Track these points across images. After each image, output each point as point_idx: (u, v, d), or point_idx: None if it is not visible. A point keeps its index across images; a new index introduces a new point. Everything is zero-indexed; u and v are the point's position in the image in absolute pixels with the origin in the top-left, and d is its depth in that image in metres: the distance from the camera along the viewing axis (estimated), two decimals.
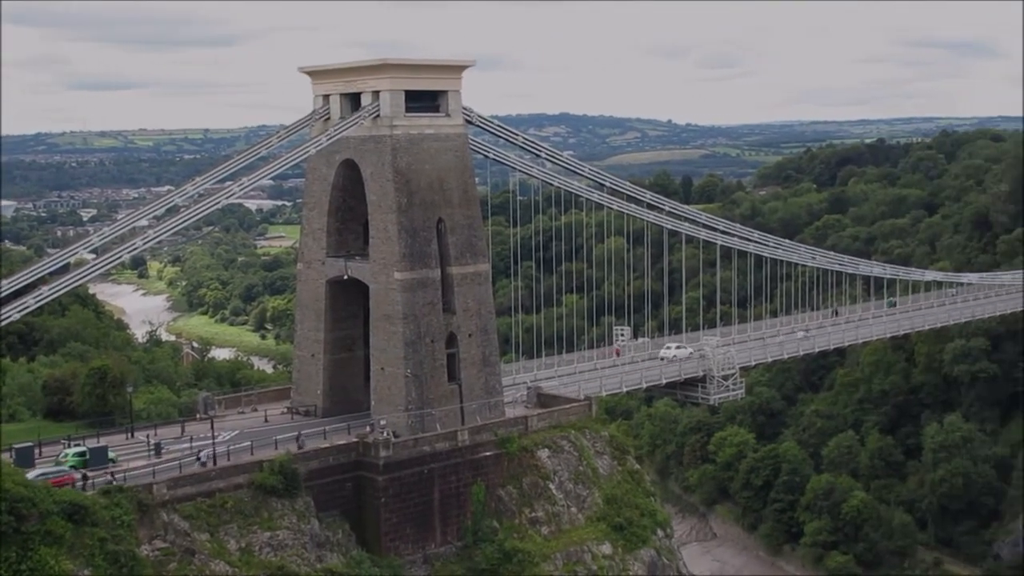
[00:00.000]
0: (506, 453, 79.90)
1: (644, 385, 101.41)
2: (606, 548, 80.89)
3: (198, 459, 70.06)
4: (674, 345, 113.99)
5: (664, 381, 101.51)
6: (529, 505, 80.00)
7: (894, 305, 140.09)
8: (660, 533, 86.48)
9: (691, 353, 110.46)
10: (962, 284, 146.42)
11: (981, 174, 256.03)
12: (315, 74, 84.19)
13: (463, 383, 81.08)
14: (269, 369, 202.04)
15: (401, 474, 73.82)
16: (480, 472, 78.18)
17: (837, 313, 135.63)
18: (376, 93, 79.23)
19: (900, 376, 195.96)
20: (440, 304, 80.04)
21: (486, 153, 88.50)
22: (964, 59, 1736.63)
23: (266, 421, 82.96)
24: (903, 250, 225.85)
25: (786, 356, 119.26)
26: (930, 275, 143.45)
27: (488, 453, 79.04)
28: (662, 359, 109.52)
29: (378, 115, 78.92)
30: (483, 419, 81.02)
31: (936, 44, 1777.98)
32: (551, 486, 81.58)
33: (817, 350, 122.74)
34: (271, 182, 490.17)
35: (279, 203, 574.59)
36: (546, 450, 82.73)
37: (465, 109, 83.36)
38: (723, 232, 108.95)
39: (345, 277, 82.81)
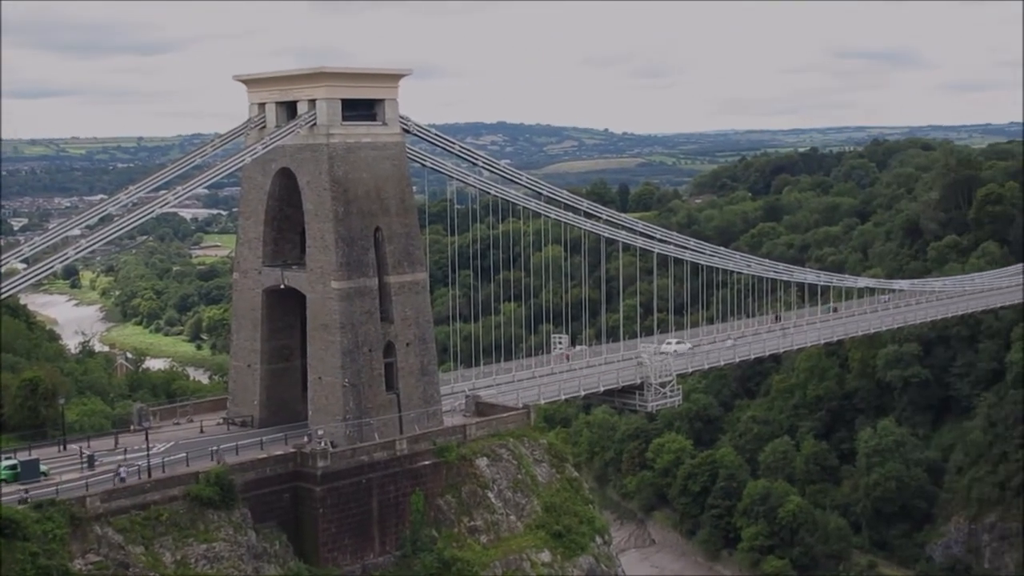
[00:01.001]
0: (445, 462, 79.77)
1: (582, 393, 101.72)
2: (545, 556, 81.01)
3: (118, 475, 68.71)
4: (674, 340, 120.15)
5: (602, 388, 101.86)
6: (468, 514, 79.90)
7: (835, 310, 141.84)
8: (599, 540, 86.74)
9: (689, 348, 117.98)
10: (894, 291, 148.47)
11: (911, 182, 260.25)
12: (250, 82, 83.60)
13: (401, 392, 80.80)
14: (205, 380, 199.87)
15: (339, 484, 73.40)
16: (419, 481, 77.96)
17: (779, 319, 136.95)
18: (312, 102, 78.83)
19: (834, 382, 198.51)
20: (378, 313, 79.73)
21: (423, 162, 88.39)
22: (894, 69, 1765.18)
23: (202, 432, 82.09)
24: (836, 257, 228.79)
25: (722, 363, 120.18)
26: (863, 282, 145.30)
27: (427, 462, 78.86)
28: (663, 354, 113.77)
29: (314, 124, 78.53)
30: (421, 428, 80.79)
31: (866, 55, 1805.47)
32: (490, 495, 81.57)
33: (753, 356, 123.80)
34: (206, 191, 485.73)
35: (214, 212, 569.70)
36: (485, 459, 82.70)
37: (402, 118, 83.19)
38: (660, 240, 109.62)
39: (282, 286, 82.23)
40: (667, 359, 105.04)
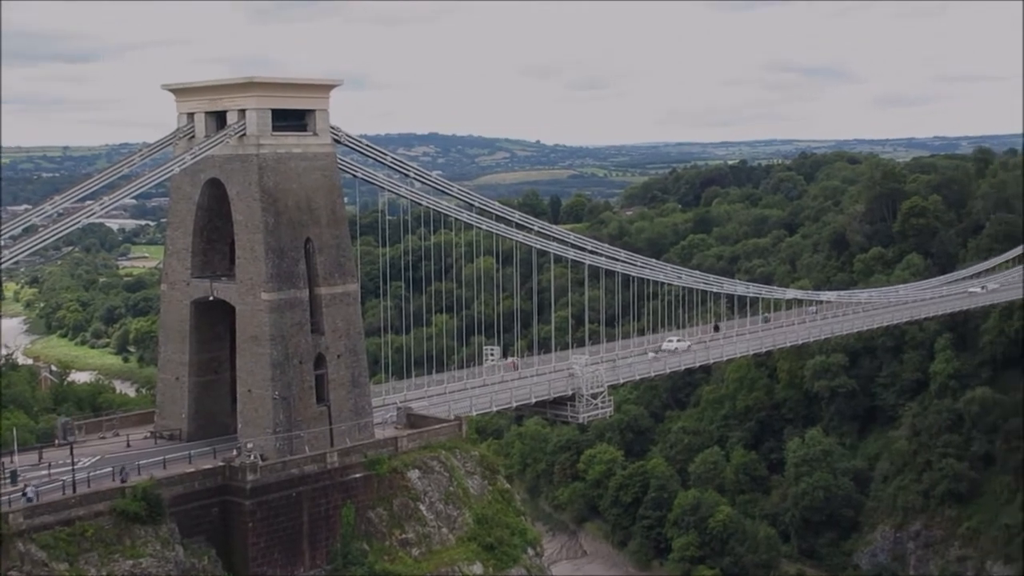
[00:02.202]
0: (376, 475, 79.32)
1: (514, 404, 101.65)
2: (477, 568, 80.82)
3: (24, 494, 67.09)
4: (675, 338, 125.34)
5: (534, 400, 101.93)
6: (399, 527, 79.51)
7: (768, 320, 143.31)
8: (530, 551, 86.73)
9: (689, 346, 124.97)
10: (821, 302, 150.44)
11: (838, 195, 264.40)
12: (179, 91, 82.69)
13: (332, 404, 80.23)
14: (132, 393, 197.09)
15: (269, 498, 72.68)
16: (350, 494, 77.42)
17: (718, 328, 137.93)
18: (242, 111, 78.14)
19: (763, 392, 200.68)
20: (308, 325, 79.13)
21: (354, 172, 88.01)
22: (822, 83, 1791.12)
23: (128, 446, 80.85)
24: (765, 269, 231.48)
25: (653, 374, 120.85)
26: (791, 293, 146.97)
27: (358, 475, 78.35)
28: (664, 351, 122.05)
29: (244, 134, 77.85)
30: (352, 441, 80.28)
31: (795, 68, 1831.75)
32: (421, 507, 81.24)
33: (684, 367, 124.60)
34: (134, 201, 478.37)
35: (142, 223, 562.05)
36: (416, 471, 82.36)
37: (333, 128, 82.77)
38: (591, 252, 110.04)
39: (211, 298, 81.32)
40: (598, 370, 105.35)
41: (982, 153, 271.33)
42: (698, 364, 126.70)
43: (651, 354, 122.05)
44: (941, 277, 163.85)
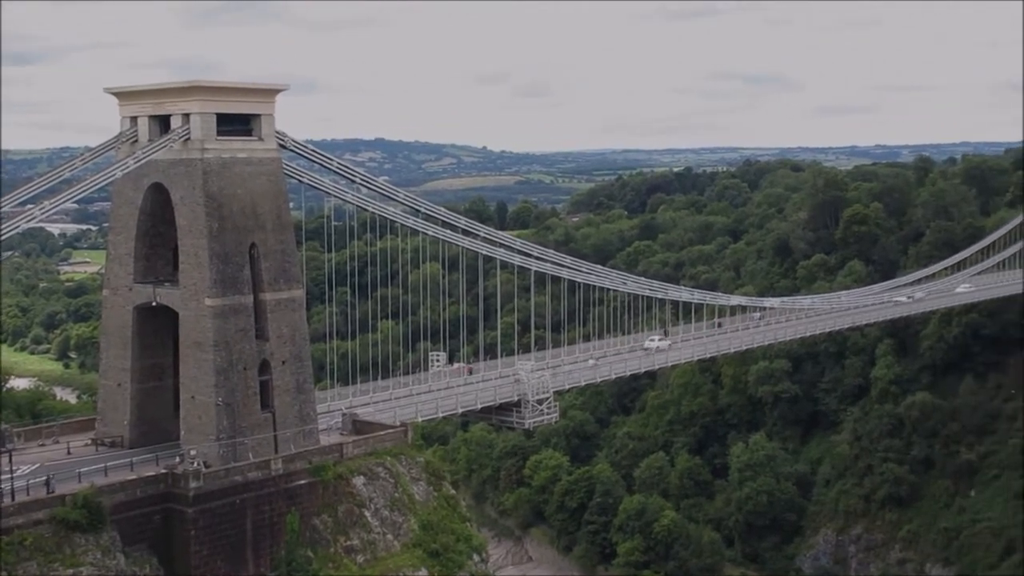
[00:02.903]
0: (321, 481, 78.94)
1: (460, 410, 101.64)
2: (422, 574, 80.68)
3: None
4: (656, 337, 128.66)
5: (480, 406, 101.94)
6: (344, 533, 79.18)
7: (720, 325, 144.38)
8: (476, 558, 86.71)
9: (671, 344, 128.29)
10: (765, 308, 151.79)
11: (782, 202, 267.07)
12: (122, 95, 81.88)
13: (276, 411, 79.77)
14: (73, 399, 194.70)
15: (212, 505, 72.06)
16: (294, 501, 77.00)
17: (667, 333, 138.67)
18: (186, 116, 77.52)
19: (708, 398, 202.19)
20: (253, 331, 78.63)
21: (300, 178, 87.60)
22: (766, 92, 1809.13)
23: (69, 453, 79.85)
24: (710, 275, 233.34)
25: (599, 380, 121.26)
26: (735, 300, 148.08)
27: (302, 482, 77.93)
28: (646, 349, 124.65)
29: (188, 138, 77.25)
30: (297, 447, 79.86)
31: (739, 77, 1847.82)
32: (366, 514, 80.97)
33: (629, 373, 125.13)
34: (75, 206, 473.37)
35: (84, 227, 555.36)
36: (361, 477, 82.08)
37: (278, 133, 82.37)
38: (537, 258, 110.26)
39: (153, 304, 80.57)
40: (544, 376, 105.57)
41: (922, 162, 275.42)
42: (643, 370, 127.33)
43: (591, 361, 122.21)
44: (882, 284, 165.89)
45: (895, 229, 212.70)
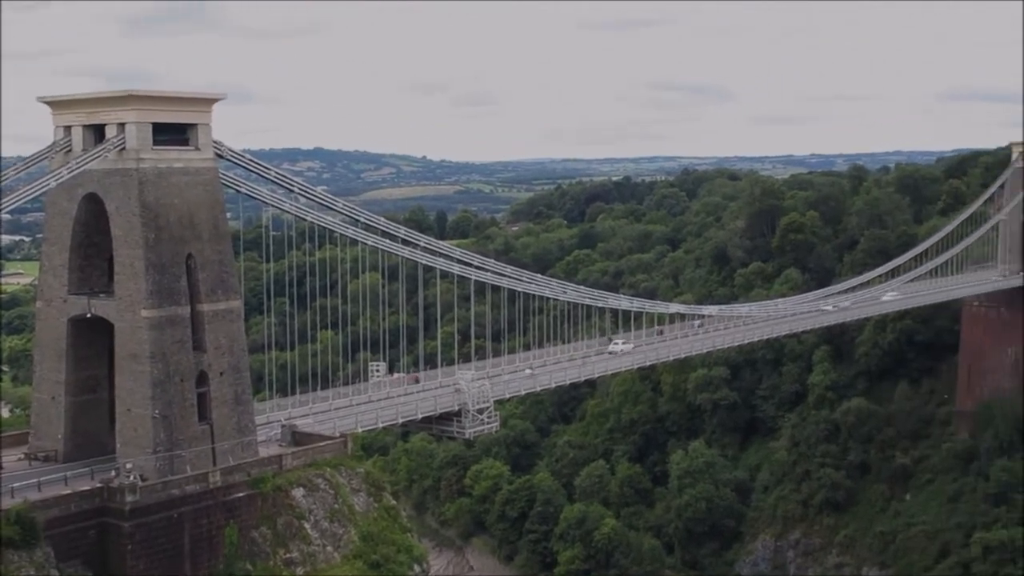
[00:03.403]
0: (260, 493, 78.27)
1: (400, 420, 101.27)
2: None
3: None
4: (620, 340, 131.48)
5: (420, 416, 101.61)
6: (284, 546, 78.56)
7: (661, 333, 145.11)
8: (417, 568, 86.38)
9: (634, 347, 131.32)
10: (704, 316, 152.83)
11: (720, 211, 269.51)
12: (56, 104, 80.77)
13: (215, 423, 78.97)
14: (6, 413, 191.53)
15: (149, 519, 71.17)
16: (233, 514, 76.25)
17: (611, 340, 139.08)
18: (122, 125, 76.60)
19: (647, 405, 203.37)
20: (190, 342, 77.82)
21: (238, 188, 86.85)
22: (704, 102, 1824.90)
23: (1, 468, 78.42)
24: (649, 283, 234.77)
25: (539, 389, 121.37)
26: (674, 307, 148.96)
27: (241, 494, 77.20)
28: (611, 352, 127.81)
29: (123, 148, 76.34)
30: (236, 459, 79.11)
31: (677, 87, 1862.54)
32: (306, 525, 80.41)
33: (569, 382, 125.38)
34: (8, 216, 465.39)
35: (17, 238, 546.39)
36: (301, 489, 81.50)
37: (216, 143, 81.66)
38: (477, 267, 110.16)
39: (88, 315, 79.47)
40: (484, 385, 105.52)
41: (856, 170, 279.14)
42: (583, 378, 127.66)
43: (528, 370, 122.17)
44: (818, 291, 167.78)
45: (830, 237, 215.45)
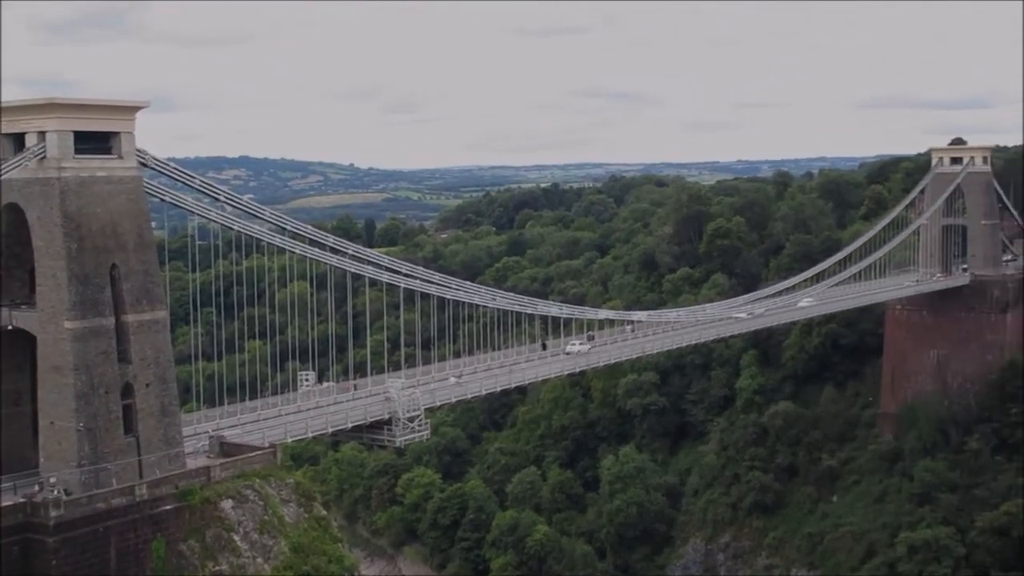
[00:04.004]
0: (188, 506, 77.24)
1: (330, 430, 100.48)
2: None
3: None
4: (577, 341, 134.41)
5: (350, 425, 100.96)
6: (212, 559, 77.58)
7: (592, 339, 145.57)
8: None
9: (590, 348, 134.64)
10: (633, 322, 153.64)
11: (647, 217, 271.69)
12: None
13: (141, 435, 77.82)
14: None
15: (74, 534, 69.91)
16: (160, 527, 75.16)
17: (545, 347, 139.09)
18: (42, 134, 75.30)
19: (578, 411, 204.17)
20: (115, 354, 76.61)
21: (162, 196, 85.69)
22: (630, 109, 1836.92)
23: None
24: (578, 290, 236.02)
25: (469, 396, 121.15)
26: (603, 314, 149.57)
27: (168, 507, 76.11)
28: (568, 353, 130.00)
29: (44, 157, 75.02)
30: (163, 472, 78.01)
31: (604, 94, 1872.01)
32: (235, 537, 79.49)
33: (499, 389, 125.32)
34: None
35: None
36: (230, 500, 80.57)
37: (139, 151, 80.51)
38: (406, 275, 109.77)
39: (9, 327, 77.97)
40: (415, 393, 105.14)
41: (781, 176, 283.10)
42: (513, 385, 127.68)
43: (452, 379, 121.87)
44: (745, 296, 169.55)
45: (757, 242, 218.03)
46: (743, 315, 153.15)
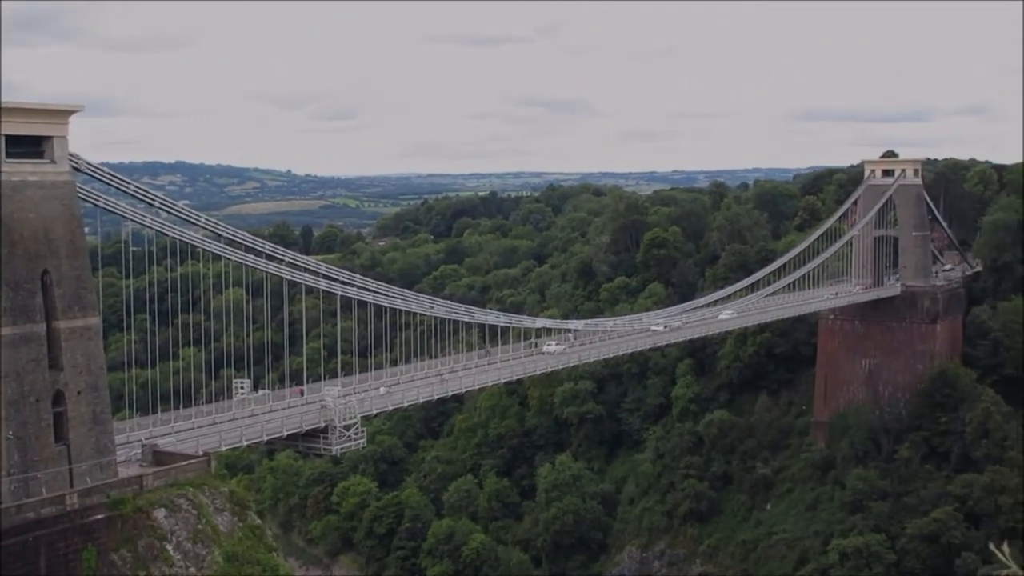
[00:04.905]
0: (119, 515, 76.28)
1: (265, 438, 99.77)
2: None
3: None
4: (554, 342, 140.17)
5: (286, 433, 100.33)
6: (145, 568, 76.66)
7: (535, 346, 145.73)
8: None
9: (565, 349, 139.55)
10: (570, 330, 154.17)
11: (585, 226, 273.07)
12: None
13: (72, 443, 76.72)
14: None
15: (2, 544, 68.76)
16: (91, 537, 74.14)
17: (488, 353, 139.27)
18: None
19: (515, 419, 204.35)
20: (46, 361, 75.49)
21: (96, 202, 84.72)
22: (567, 118, 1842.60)
23: None
24: (516, 298, 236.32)
25: (406, 404, 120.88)
26: (540, 322, 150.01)
27: (100, 516, 75.12)
28: (544, 352, 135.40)
29: None
30: (94, 480, 76.96)
31: (540, 104, 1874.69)
32: (168, 547, 78.62)
33: (436, 397, 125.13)
34: None
35: None
36: (163, 510, 79.68)
37: (72, 156, 79.52)
38: (343, 283, 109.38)
39: None
40: (351, 401, 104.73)
41: (717, 187, 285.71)
42: (450, 393, 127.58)
43: (382, 389, 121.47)
44: (681, 305, 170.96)
45: (693, 252, 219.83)
46: (658, 328, 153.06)
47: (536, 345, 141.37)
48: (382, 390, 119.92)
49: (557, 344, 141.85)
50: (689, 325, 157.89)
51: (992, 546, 16.84)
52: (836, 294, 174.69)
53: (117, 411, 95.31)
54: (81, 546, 73.30)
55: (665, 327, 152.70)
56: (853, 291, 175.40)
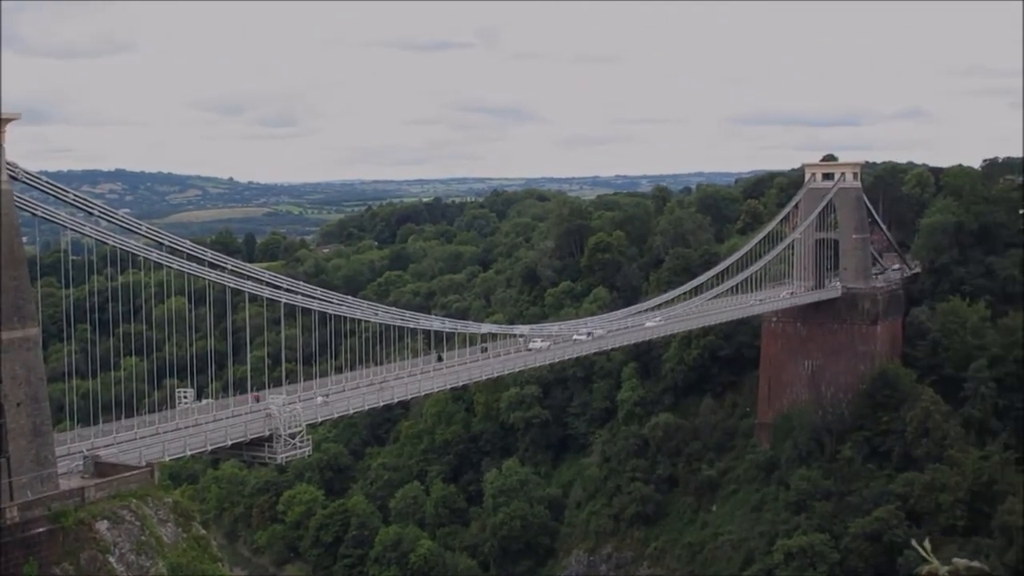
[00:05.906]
0: (61, 528, 75.23)
1: (209, 448, 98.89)
2: None
3: None
4: (539, 339, 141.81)
5: (230, 442, 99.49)
6: None
7: (485, 351, 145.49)
8: None
9: (549, 346, 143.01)
10: (516, 336, 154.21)
11: (529, 231, 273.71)
12: None
13: (11, 456, 75.60)
14: None
15: None
16: (32, 551, 73.06)
17: (441, 359, 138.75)
18: None
19: (461, 425, 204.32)
20: None
21: (34, 211, 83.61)
22: (509, 124, 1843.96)
23: None
24: (461, 304, 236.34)
25: (352, 412, 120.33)
26: (486, 327, 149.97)
27: (41, 529, 74.06)
28: (529, 349, 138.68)
29: None
30: (35, 493, 75.88)
31: (482, 110, 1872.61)
32: (111, 559, 77.66)
33: (382, 404, 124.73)
34: None
35: None
36: (105, 522, 78.69)
37: (9, 164, 78.44)
38: (287, 290, 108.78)
39: None
40: (296, 409, 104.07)
41: (660, 191, 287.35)
42: (396, 400, 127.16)
43: (320, 398, 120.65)
44: (626, 309, 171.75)
45: (637, 256, 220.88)
46: (581, 336, 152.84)
47: (441, 359, 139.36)
48: (320, 399, 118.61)
49: (542, 341, 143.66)
50: (612, 334, 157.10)
51: (914, 542, 17.22)
52: (792, 293, 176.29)
53: (58, 422, 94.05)
54: (22, 560, 72.24)
55: (588, 335, 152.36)
56: (781, 296, 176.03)
